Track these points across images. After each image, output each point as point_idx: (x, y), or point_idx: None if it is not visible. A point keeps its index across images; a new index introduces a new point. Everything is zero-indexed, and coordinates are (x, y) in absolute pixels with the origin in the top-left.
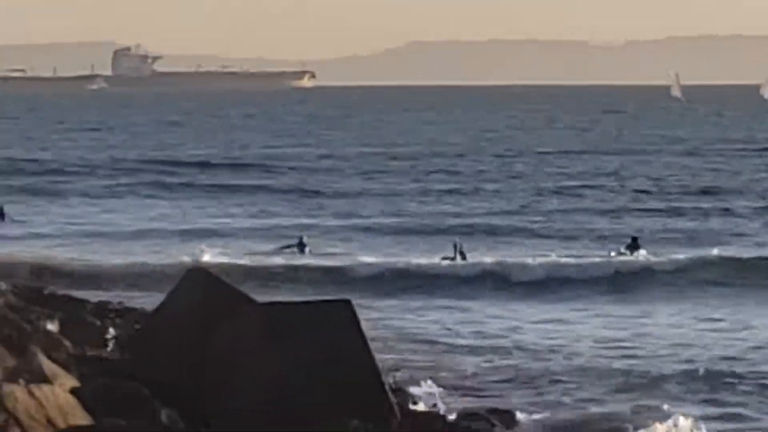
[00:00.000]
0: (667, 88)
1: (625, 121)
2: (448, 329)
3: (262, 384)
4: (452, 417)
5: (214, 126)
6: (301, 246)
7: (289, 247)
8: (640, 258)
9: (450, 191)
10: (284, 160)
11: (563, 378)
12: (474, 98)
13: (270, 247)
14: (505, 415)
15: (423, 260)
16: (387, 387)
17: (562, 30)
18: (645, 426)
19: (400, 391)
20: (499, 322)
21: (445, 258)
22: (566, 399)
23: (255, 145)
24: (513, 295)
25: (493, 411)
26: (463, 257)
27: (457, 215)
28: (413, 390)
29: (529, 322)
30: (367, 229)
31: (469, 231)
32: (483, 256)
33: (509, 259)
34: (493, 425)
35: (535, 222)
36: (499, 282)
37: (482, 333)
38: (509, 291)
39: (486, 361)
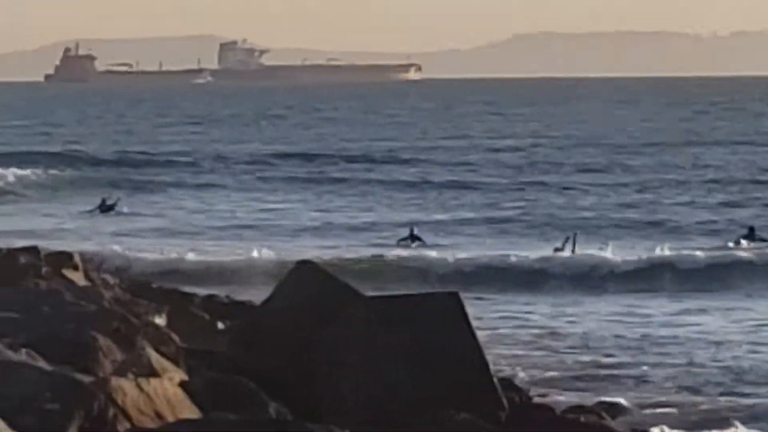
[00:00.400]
0: None
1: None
2: (553, 323)
3: (370, 377)
4: (560, 409)
5: (320, 119)
6: (413, 238)
7: (404, 239)
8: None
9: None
10: (399, 153)
11: (675, 373)
12: (582, 91)
13: (380, 241)
14: (614, 407)
15: (531, 253)
16: (495, 380)
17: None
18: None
19: (507, 383)
20: (599, 315)
21: (556, 249)
22: (678, 394)
23: (363, 138)
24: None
25: (602, 404)
26: (573, 250)
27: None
28: (519, 383)
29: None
30: (490, 221)
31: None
32: (592, 249)
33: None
34: (602, 417)
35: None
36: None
37: (583, 326)
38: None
39: (595, 355)
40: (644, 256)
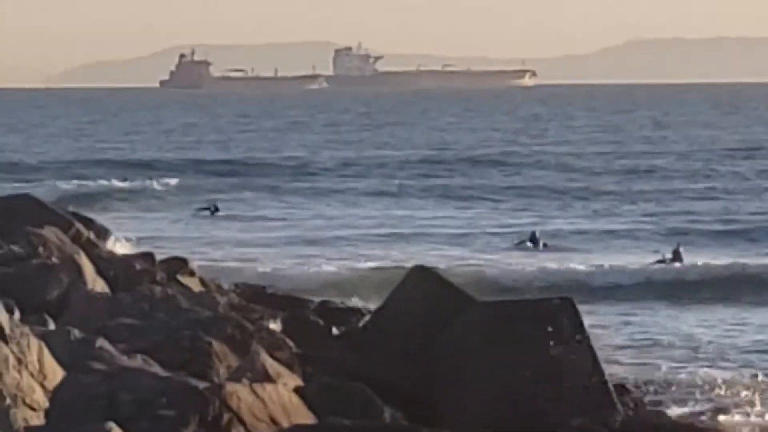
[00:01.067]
0: None
1: None
2: (668, 332)
3: (485, 383)
4: (676, 414)
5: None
6: (533, 241)
7: (522, 242)
8: None
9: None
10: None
11: None
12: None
13: (505, 245)
14: (726, 414)
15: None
16: (609, 385)
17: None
18: None
19: (621, 389)
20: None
21: (659, 261)
22: None
23: (492, 142)
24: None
25: (717, 410)
26: (679, 259)
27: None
28: (635, 389)
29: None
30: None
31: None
32: (706, 259)
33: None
34: (717, 422)
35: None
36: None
37: (693, 336)
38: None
39: (706, 366)
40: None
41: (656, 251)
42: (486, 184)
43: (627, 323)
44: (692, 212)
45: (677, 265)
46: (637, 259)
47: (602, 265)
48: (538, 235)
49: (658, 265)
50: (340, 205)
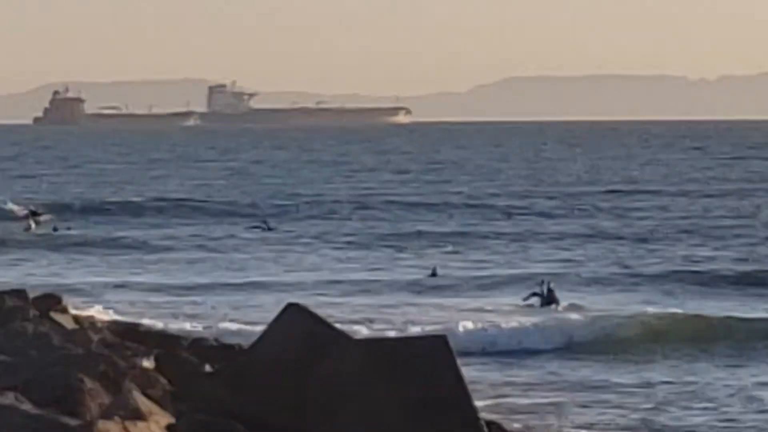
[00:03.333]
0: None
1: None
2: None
3: (358, 420)
4: None
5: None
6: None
7: (529, 297)
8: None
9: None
10: None
11: None
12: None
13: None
14: None
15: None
16: (481, 423)
17: (657, 63)
18: None
19: (496, 427)
20: None
21: (530, 296)
22: None
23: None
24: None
25: None
26: (550, 300)
27: None
28: (508, 427)
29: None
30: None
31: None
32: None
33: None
34: None
35: None
36: None
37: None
38: None
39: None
40: None
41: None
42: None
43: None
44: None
45: (553, 306)
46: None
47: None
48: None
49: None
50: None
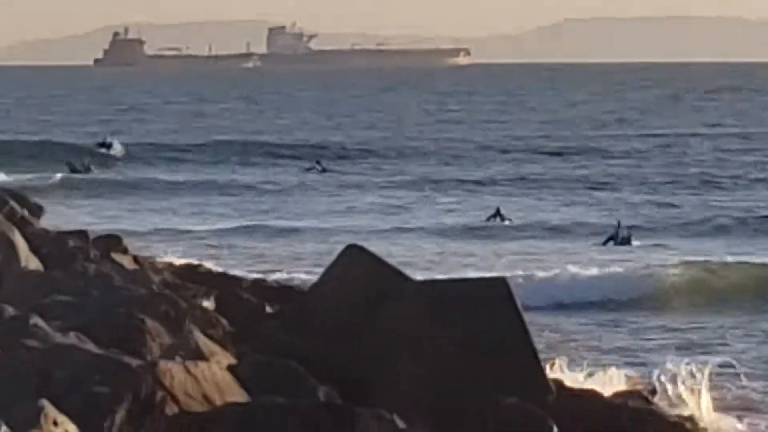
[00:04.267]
0: None
1: None
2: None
3: (419, 362)
4: (608, 394)
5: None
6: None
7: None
8: None
9: None
10: None
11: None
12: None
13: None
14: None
15: None
16: (542, 364)
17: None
18: None
19: (557, 368)
20: None
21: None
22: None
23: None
24: None
25: (651, 388)
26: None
27: None
28: (569, 369)
29: None
30: None
31: None
32: None
33: None
34: (649, 402)
35: None
36: None
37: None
38: None
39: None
40: None
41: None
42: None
43: None
44: None
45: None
46: None
47: None
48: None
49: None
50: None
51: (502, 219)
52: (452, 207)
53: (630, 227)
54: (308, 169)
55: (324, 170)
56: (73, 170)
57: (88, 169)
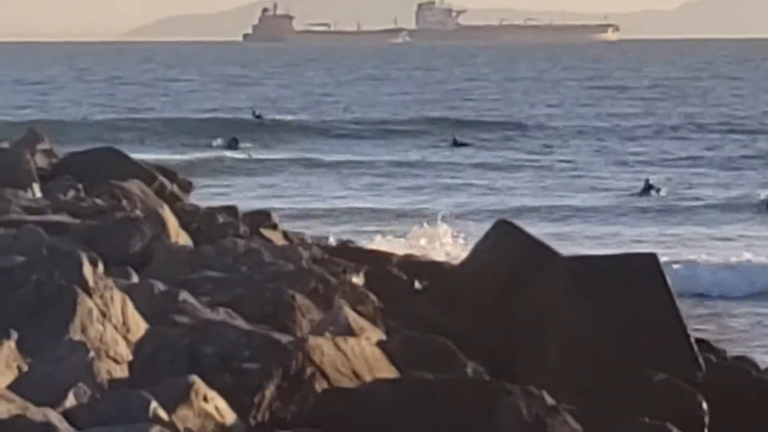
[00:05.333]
0: None
1: None
2: None
3: (567, 338)
4: (759, 371)
5: None
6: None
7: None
8: None
9: None
10: None
11: None
12: None
13: None
14: None
15: None
16: (692, 341)
17: None
18: None
19: (705, 345)
20: None
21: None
22: None
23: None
24: None
25: None
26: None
27: None
28: (722, 345)
29: None
30: None
31: None
32: None
33: None
34: None
35: None
36: None
37: None
38: None
39: None
40: None
41: None
42: None
43: None
44: None
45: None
46: None
47: None
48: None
49: None
50: None
51: (657, 191)
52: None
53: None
54: (441, 142)
55: (458, 144)
56: (230, 146)
57: (236, 144)
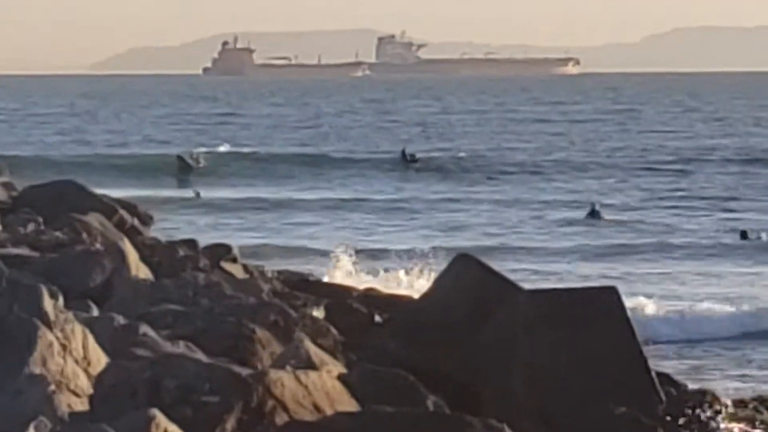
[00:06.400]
0: None
1: None
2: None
3: (529, 372)
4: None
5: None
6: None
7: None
8: None
9: None
10: None
11: None
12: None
13: None
14: None
15: None
16: (653, 374)
17: None
18: None
19: (665, 378)
20: None
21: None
22: None
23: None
24: None
25: (761, 399)
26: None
27: None
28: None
29: None
30: None
31: None
32: None
33: None
34: (760, 413)
35: None
36: None
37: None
38: None
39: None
40: None
41: None
42: None
43: None
44: None
45: None
46: None
47: None
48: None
49: None
50: None
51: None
52: None
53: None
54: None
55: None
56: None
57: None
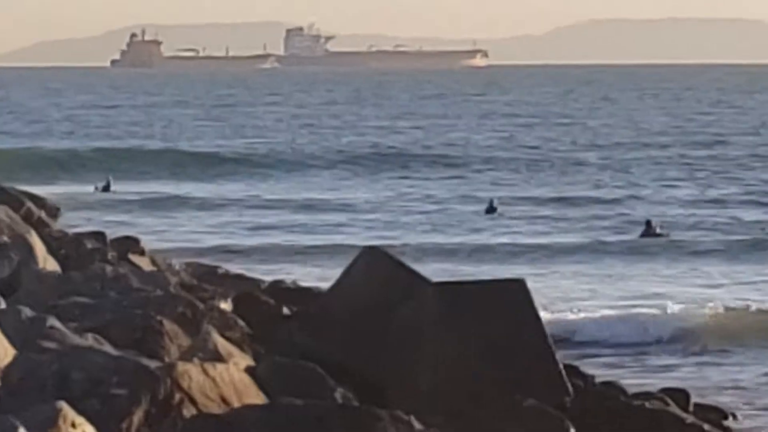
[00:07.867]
0: None
1: None
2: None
3: (436, 364)
4: (626, 396)
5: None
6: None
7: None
8: None
9: None
10: None
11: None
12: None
13: None
14: (680, 394)
15: None
16: (560, 366)
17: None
18: None
19: (573, 370)
20: None
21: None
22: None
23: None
24: None
25: (668, 390)
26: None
27: None
28: (587, 368)
29: None
30: None
31: None
32: None
33: None
34: (667, 404)
35: None
36: None
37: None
38: None
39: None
40: None
41: None
42: None
43: None
44: None
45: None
46: None
47: None
48: (495, 204)
49: None
50: None
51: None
52: None
53: None
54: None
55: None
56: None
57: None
